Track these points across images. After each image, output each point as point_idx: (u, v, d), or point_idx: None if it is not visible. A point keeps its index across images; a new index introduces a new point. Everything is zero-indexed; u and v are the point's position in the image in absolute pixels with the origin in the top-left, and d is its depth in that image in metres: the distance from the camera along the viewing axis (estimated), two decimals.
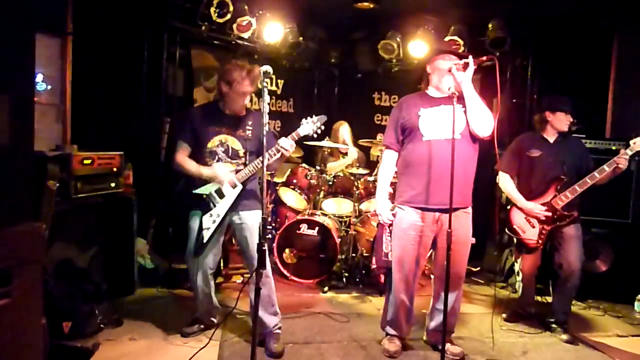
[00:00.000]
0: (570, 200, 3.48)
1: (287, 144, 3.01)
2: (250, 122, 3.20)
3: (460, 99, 2.94)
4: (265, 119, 2.31)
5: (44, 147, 3.57)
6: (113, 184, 3.79)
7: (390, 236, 3.15)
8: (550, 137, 3.67)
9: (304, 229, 4.64)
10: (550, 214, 3.53)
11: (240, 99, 3.11)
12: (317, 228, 4.65)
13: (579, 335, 3.61)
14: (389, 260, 3.16)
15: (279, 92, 6.20)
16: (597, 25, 4.85)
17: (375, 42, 5.82)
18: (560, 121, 3.61)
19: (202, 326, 3.37)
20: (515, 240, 3.75)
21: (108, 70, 4.42)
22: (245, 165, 3.15)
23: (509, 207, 3.76)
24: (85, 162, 3.53)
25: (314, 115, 3.11)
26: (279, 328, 3.21)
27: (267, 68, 2.39)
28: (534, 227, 3.61)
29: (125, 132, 4.50)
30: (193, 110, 3.82)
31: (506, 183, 3.74)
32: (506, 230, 3.79)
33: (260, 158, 2.98)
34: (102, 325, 3.29)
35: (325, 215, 4.90)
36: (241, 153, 3.17)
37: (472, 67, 2.92)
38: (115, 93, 4.49)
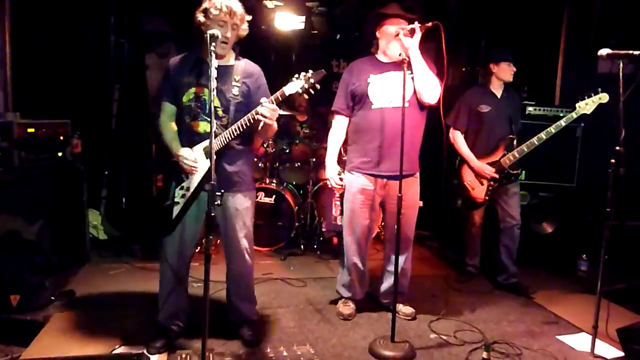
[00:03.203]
0: (517, 159, 3.63)
1: (265, 110, 2.45)
2: (238, 76, 2.62)
3: (409, 66, 2.95)
4: (213, 83, 2.21)
5: None
6: (60, 153, 3.66)
7: (340, 201, 3.19)
8: (497, 90, 3.77)
9: (261, 196, 4.63)
10: (497, 175, 3.67)
11: (221, 30, 2.45)
12: (274, 196, 4.65)
13: (524, 293, 3.77)
14: (337, 224, 3.20)
15: None
16: None
17: (333, 8, 5.74)
18: (505, 71, 3.70)
19: (166, 339, 2.70)
20: (465, 196, 3.89)
21: (51, 34, 4.20)
22: (226, 128, 2.56)
23: (460, 164, 3.87)
24: (29, 130, 3.39)
25: (310, 70, 2.50)
26: (256, 315, 2.99)
27: (215, 31, 2.21)
28: (482, 184, 3.76)
29: (73, 100, 4.32)
30: (171, 59, 2.79)
31: (458, 140, 3.84)
32: (458, 187, 3.91)
33: (239, 122, 2.51)
34: (53, 298, 3.23)
35: (283, 183, 4.90)
36: (220, 112, 2.59)
37: (418, 33, 2.90)
38: (60, 58, 4.29)
